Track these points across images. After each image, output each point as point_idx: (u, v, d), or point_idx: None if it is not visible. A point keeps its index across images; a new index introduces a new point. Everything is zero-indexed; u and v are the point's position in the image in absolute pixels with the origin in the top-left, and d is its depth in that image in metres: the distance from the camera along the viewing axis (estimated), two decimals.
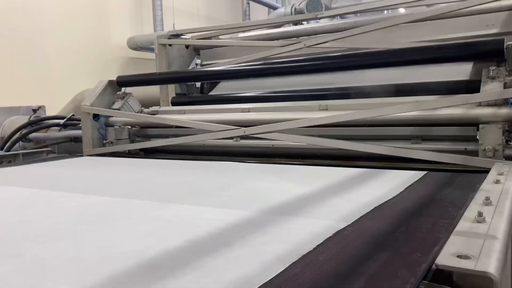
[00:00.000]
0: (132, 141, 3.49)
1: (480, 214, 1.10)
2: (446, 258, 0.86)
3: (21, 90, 7.95)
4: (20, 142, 4.46)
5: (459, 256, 0.86)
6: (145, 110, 3.51)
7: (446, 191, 1.68)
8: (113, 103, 3.48)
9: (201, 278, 0.90)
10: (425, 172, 2.03)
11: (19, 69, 8.17)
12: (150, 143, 3.27)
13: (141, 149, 3.40)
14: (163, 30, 10.05)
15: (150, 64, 9.26)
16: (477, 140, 2.18)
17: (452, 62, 2.65)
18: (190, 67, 4.25)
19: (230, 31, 4.18)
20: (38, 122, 4.53)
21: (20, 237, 1.25)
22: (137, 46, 10.26)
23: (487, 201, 1.25)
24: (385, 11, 4.55)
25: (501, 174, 1.69)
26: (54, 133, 4.41)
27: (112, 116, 3.43)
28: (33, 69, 8.40)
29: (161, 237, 1.19)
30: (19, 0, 8.16)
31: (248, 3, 13.05)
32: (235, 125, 2.78)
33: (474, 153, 2.17)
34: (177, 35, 4.11)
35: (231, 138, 2.89)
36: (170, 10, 11.20)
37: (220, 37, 4.21)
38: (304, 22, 5.18)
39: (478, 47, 2.33)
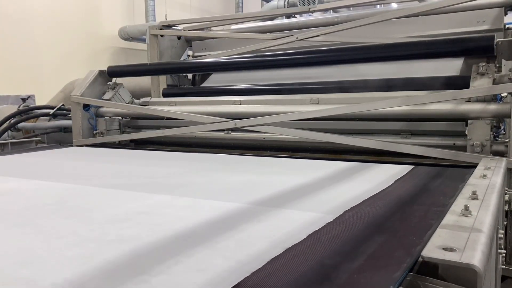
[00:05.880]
0: (123, 132, 3.47)
1: (466, 208, 1.11)
2: (432, 250, 0.87)
3: (10, 79, 7.85)
4: (9, 131, 4.42)
5: (445, 249, 0.87)
6: (136, 101, 3.50)
7: (434, 185, 1.69)
8: (104, 93, 3.46)
9: (186, 270, 0.90)
10: (413, 166, 2.05)
11: (8, 58, 8.07)
12: (141, 134, 3.26)
13: (131, 140, 3.39)
14: (155, 20, 9.99)
15: (141, 54, 9.20)
16: (465, 135, 2.20)
17: (442, 57, 2.67)
18: (181, 58, 4.23)
19: (223, 23, 4.16)
20: (27, 111, 4.49)
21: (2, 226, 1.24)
22: (128, 36, 10.17)
23: (474, 195, 1.26)
24: (378, 6, 4.56)
25: (488, 169, 1.71)
26: (43, 123, 4.37)
27: (102, 107, 3.41)
28: (23, 58, 8.30)
29: (148, 228, 1.19)
30: None
31: None
32: (226, 117, 2.78)
33: (462, 148, 2.20)
34: (169, 26, 4.09)
35: (222, 130, 2.89)
36: (162, 1, 11.11)
37: (212, 28, 4.20)
38: (297, 15, 5.18)
39: (468, 43, 2.35)
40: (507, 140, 2.12)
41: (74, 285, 0.84)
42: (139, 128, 3.47)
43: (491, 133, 2.13)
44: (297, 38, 3.36)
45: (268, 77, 3.43)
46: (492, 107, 2.13)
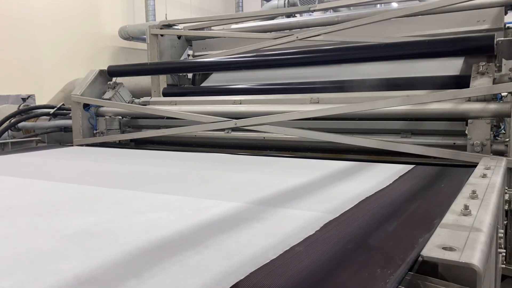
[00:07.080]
0: (123, 132, 3.47)
1: (466, 207, 1.11)
2: (431, 249, 0.87)
3: (10, 78, 7.85)
4: (9, 131, 4.42)
5: (444, 248, 0.87)
6: (136, 100, 3.50)
7: (434, 185, 1.69)
8: (104, 93, 3.46)
9: (185, 270, 0.90)
10: (413, 165, 2.04)
11: (8, 58, 8.07)
12: (141, 134, 3.25)
13: (131, 140, 3.39)
14: (155, 20, 9.99)
15: (141, 54, 9.21)
16: (465, 135, 2.20)
17: (442, 57, 2.67)
18: (182, 58, 4.23)
19: (223, 22, 4.16)
20: (27, 111, 4.49)
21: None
22: (128, 36, 10.17)
23: (474, 195, 1.26)
24: (378, 5, 4.56)
25: (488, 168, 1.71)
26: (43, 122, 4.38)
27: (102, 106, 3.41)
28: (23, 57, 8.30)
29: (148, 228, 1.19)
30: None
31: None
32: (227, 117, 2.78)
33: (463, 148, 2.20)
34: (169, 26, 4.08)
35: (222, 130, 2.88)
36: (162, 0, 11.11)
37: (212, 28, 4.20)
38: (297, 15, 5.17)
39: (468, 43, 2.35)
40: (507, 139, 2.12)
41: (74, 283, 0.84)
42: (139, 128, 3.47)
43: (491, 132, 2.13)
44: (297, 37, 3.36)
45: (268, 77, 3.43)
46: (492, 106, 2.13)
